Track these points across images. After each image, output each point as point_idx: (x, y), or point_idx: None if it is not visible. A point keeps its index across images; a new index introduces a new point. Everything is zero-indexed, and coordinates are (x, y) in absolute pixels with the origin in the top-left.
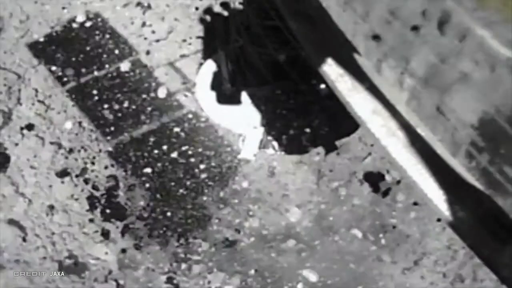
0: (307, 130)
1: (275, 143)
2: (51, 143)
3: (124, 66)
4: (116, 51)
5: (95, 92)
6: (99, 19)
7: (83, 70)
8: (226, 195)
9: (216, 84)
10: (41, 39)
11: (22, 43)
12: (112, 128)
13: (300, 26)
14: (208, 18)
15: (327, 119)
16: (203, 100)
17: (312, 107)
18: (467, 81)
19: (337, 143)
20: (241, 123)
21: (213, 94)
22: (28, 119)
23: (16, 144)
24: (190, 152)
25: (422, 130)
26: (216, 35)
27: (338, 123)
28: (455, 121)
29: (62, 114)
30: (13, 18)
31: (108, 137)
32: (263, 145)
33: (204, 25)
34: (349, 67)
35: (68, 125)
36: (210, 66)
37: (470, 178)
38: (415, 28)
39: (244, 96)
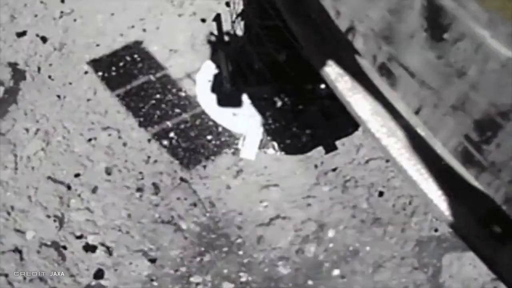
0: (307, 130)
1: (275, 143)
2: (101, 244)
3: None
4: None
5: None
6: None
7: None
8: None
9: (216, 87)
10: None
11: (66, 154)
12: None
13: (300, 27)
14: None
15: (327, 119)
16: (204, 100)
17: (312, 107)
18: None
19: (337, 143)
20: (241, 123)
21: (213, 95)
22: (79, 223)
23: (70, 244)
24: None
25: (422, 130)
26: (217, 36)
27: (338, 123)
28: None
29: (107, 220)
30: (57, 132)
31: None
32: (263, 145)
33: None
34: (349, 67)
35: (113, 232)
36: (209, 67)
37: (470, 178)
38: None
39: (244, 96)
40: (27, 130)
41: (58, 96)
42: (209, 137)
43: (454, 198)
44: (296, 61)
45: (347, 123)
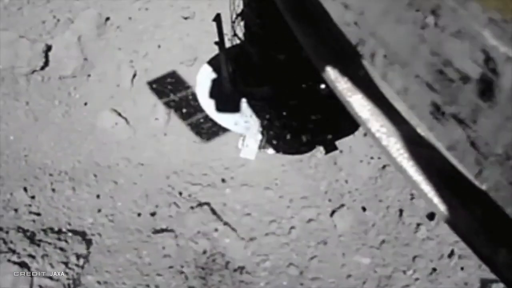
0: (307, 130)
1: (275, 143)
2: None
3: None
4: None
5: None
6: None
7: None
8: None
9: (215, 88)
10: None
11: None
12: None
13: (300, 26)
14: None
15: (327, 119)
16: (204, 101)
17: (312, 107)
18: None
19: (337, 143)
20: (241, 123)
21: (213, 96)
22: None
23: None
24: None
25: (422, 130)
26: (217, 36)
27: (338, 123)
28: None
29: None
30: (119, 286)
31: None
32: (263, 145)
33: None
34: (349, 67)
35: None
36: (208, 69)
37: (471, 178)
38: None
39: (244, 97)
40: (99, 282)
41: (115, 259)
42: (210, 136)
43: (454, 198)
44: (296, 61)
45: (347, 123)
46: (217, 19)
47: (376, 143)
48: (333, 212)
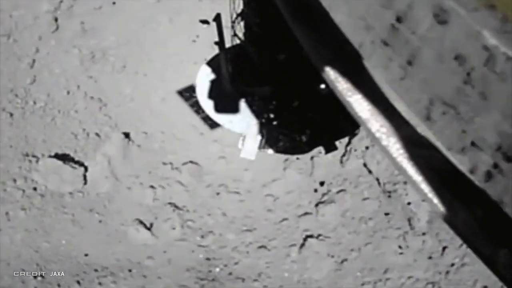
0: (307, 130)
1: (275, 143)
2: None
3: None
4: None
5: None
6: None
7: None
8: None
9: (215, 88)
10: None
11: None
12: None
13: (300, 26)
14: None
15: (327, 119)
16: (203, 101)
17: (312, 107)
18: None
19: (337, 143)
20: (241, 123)
21: (212, 96)
22: None
23: None
24: None
25: (422, 130)
26: (217, 36)
27: (338, 123)
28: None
29: None
30: None
31: None
32: (263, 145)
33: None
34: (349, 67)
35: None
36: (207, 69)
37: (471, 177)
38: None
39: (243, 97)
40: None
41: None
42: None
43: (454, 198)
44: (296, 61)
45: (347, 123)
46: (217, 19)
47: (376, 143)
48: None
